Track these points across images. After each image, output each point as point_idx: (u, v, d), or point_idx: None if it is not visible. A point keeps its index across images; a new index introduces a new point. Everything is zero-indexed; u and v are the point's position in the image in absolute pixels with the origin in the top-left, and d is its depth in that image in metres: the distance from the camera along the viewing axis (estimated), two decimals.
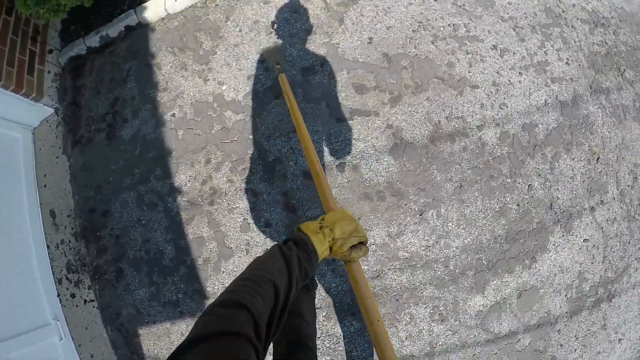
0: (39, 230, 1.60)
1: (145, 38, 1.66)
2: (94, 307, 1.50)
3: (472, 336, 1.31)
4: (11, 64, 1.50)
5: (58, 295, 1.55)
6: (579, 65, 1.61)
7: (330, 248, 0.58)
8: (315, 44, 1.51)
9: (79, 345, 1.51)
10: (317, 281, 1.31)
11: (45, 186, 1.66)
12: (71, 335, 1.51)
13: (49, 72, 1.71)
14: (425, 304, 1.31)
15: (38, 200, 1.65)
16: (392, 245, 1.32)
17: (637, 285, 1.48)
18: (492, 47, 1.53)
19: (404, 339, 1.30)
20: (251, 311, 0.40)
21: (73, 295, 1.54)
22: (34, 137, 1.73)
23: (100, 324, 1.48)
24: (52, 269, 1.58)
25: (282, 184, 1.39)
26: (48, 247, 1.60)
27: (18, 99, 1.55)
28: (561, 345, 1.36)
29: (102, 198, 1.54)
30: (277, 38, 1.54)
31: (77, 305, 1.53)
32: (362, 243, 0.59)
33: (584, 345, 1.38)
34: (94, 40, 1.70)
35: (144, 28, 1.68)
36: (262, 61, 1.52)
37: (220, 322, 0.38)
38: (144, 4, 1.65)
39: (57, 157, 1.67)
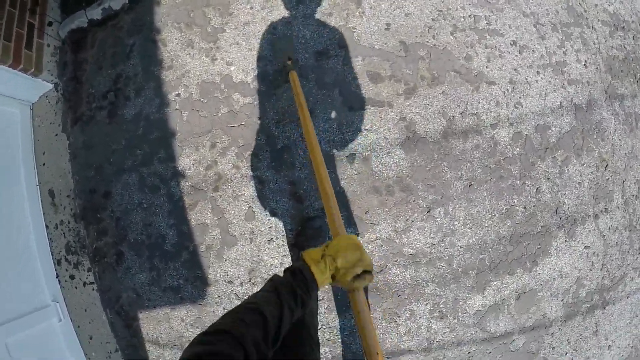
0: (38, 209, 1.57)
1: (151, 12, 1.58)
2: (93, 289, 1.49)
3: (469, 334, 1.33)
4: (9, 38, 1.41)
5: (57, 277, 1.53)
6: (597, 68, 1.57)
7: (333, 276, 0.58)
8: (330, 27, 1.45)
9: (78, 326, 1.50)
10: None
11: (44, 164, 1.60)
12: (70, 317, 1.51)
13: (48, 45, 1.62)
14: (426, 301, 1.32)
15: (37, 179, 1.60)
16: (397, 241, 1.32)
17: (632, 294, 1.51)
18: (512, 43, 1.48)
19: (402, 333, 1.31)
20: (234, 335, 0.43)
21: (72, 277, 1.52)
22: (32, 114, 1.66)
23: (100, 307, 1.47)
24: (51, 249, 1.55)
25: (289, 173, 1.36)
26: (47, 227, 1.57)
27: (16, 74, 1.47)
28: (553, 347, 1.39)
29: (102, 179, 1.50)
30: (290, 19, 1.47)
31: (76, 287, 1.51)
32: (367, 271, 0.58)
33: (575, 350, 1.41)
34: (96, 12, 1.61)
35: (149, 1, 1.59)
36: (273, 42, 1.46)
37: (203, 348, 0.41)
38: None
39: (57, 135, 1.61)
